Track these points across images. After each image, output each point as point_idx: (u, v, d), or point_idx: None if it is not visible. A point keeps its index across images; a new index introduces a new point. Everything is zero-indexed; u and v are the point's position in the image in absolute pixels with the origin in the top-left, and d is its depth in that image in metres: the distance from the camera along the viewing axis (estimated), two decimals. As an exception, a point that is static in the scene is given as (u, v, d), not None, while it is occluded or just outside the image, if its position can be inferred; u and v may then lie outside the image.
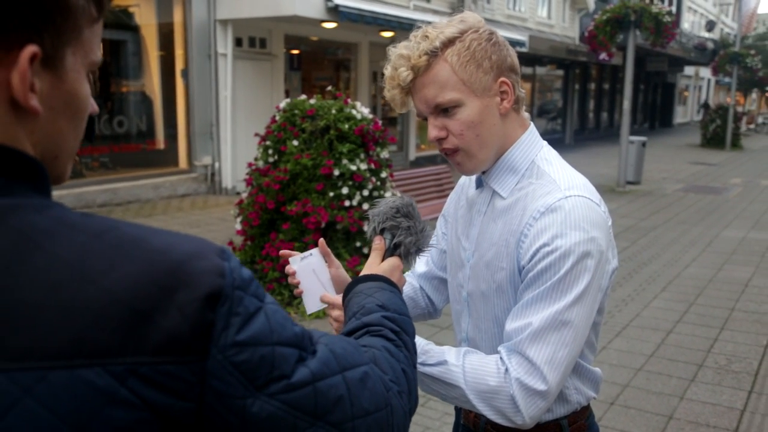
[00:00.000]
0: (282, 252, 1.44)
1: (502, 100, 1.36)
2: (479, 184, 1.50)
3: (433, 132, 1.37)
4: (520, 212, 1.35)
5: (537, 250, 1.28)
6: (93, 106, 0.79)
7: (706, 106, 39.00)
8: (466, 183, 1.60)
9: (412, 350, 1.06)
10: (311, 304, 1.43)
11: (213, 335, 0.69)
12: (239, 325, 0.71)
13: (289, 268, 1.42)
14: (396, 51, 1.35)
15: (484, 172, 1.44)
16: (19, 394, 0.62)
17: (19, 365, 0.62)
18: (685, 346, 5.03)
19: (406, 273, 1.79)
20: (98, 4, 0.72)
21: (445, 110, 1.34)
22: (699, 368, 4.63)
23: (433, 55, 1.31)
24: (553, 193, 1.31)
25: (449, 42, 1.32)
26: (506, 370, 1.28)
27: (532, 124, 1.46)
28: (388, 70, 1.36)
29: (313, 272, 1.43)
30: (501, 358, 1.31)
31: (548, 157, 1.41)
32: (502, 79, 1.35)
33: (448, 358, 1.34)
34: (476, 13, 1.40)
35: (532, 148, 1.41)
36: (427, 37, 1.32)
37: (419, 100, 1.36)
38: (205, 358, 0.69)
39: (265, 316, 0.75)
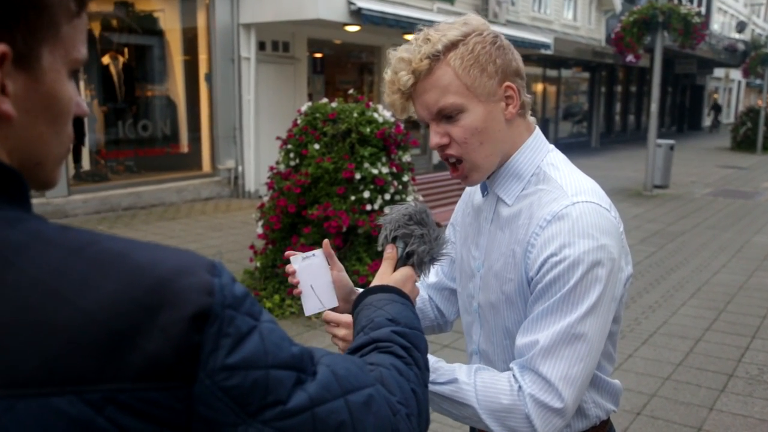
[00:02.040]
0: (287, 253, 1.40)
1: (508, 105, 1.31)
2: (485, 190, 1.44)
3: (434, 139, 1.32)
4: (526, 220, 1.30)
5: (545, 261, 1.23)
6: (80, 107, 0.74)
7: (716, 108, 37.19)
8: (472, 190, 1.55)
9: (423, 368, 1.00)
10: (310, 305, 1.38)
11: (200, 358, 0.64)
12: (229, 347, 0.66)
13: (289, 267, 1.38)
14: (396, 54, 1.30)
15: (488, 178, 1.39)
16: None
17: None
18: (714, 355, 4.90)
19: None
20: None
21: (447, 117, 1.29)
22: (729, 378, 4.51)
23: (435, 58, 1.26)
24: (559, 199, 1.26)
25: (452, 45, 1.27)
26: (519, 387, 1.23)
27: (537, 128, 1.40)
28: (388, 74, 1.31)
29: (314, 273, 1.38)
30: (514, 375, 1.25)
31: (554, 161, 1.36)
32: (507, 84, 1.30)
33: (459, 376, 1.28)
34: (481, 17, 1.34)
35: (538, 153, 1.36)
36: (428, 40, 1.27)
37: (420, 106, 1.31)
38: (192, 383, 0.64)
39: (260, 336, 0.70)
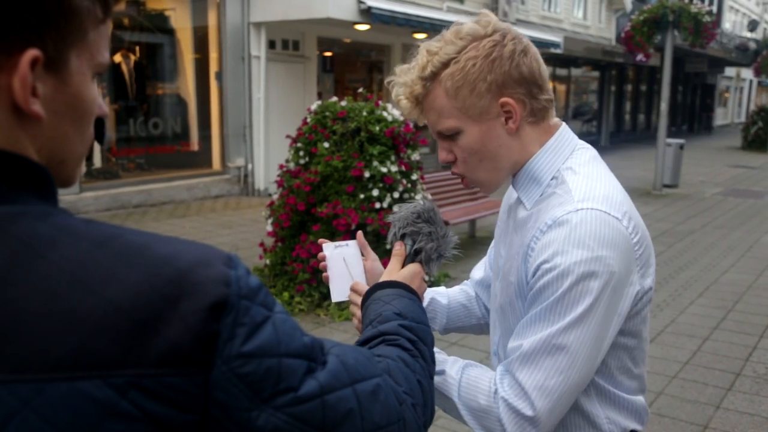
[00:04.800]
0: (320, 240, 1.44)
1: (507, 120, 1.27)
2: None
3: (442, 155, 1.34)
4: (533, 224, 1.27)
5: (538, 267, 1.20)
6: (101, 108, 0.78)
7: (706, 108, 35.07)
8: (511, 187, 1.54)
9: (429, 360, 1.03)
10: (337, 292, 1.42)
11: (217, 346, 0.67)
12: (245, 336, 0.69)
13: (320, 255, 1.41)
14: (397, 80, 1.30)
15: (513, 178, 1.36)
16: (18, 406, 0.61)
17: (18, 377, 0.61)
18: (722, 354, 4.91)
19: (465, 281, 1.75)
20: (104, 4, 0.71)
21: (448, 136, 1.30)
22: (736, 377, 4.51)
23: (429, 81, 1.26)
24: (564, 204, 1.21)
25: (443, 65, 1.25)
26: (496, 390, 1.23)
27: (562, 127, 1.34)
28: (392, 94, 1.32)
29: (344, 261, 1.42)
30: (495, 377, 1.26)
31: (575, 164, 1.29)
32: (503, 99, 1.24)
33: (448, 369, 1.29)
34: (492, 16, 1.29)
35: (558, 155, 1.31)
36: (420, 63, 1.27)
37: (428, 123, 1.34)
38: (209, 369, 0.67)
39: (273, 326, 0.73)
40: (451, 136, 1.29)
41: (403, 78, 1.29)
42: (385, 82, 1.34)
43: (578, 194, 1.22)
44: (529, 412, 1.18)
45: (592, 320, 1.17)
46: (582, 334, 1.17)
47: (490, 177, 1.33)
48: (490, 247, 1.65)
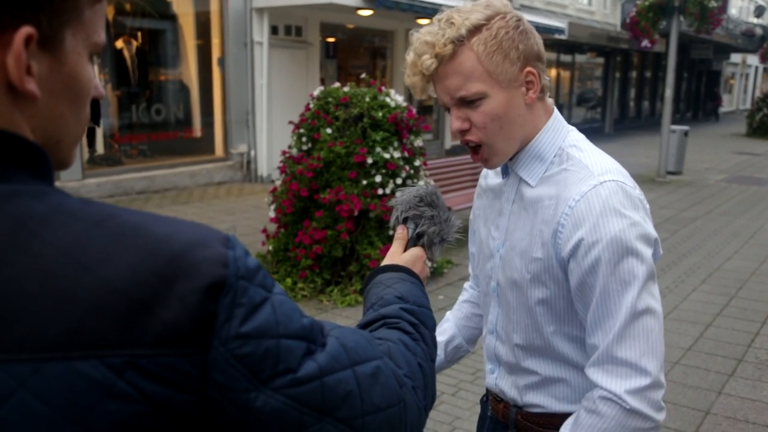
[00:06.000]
0: None
1: (528, 90, 1.32)
2: (505, 171, 1.45)
3: (456, 123, 1.33)
4: (554, 201, 1.30)
5: (579, 243, 1.24)
6: (98, 89, 0.76)
7: (713, 96, 34.30)
8: (484, 172, 1.57)
9: (430, 344, 1.03)
10: None
11: (215, 327, 0.67)
12: (243, 317, 0.69)
13: None
14: (420, 37, 1.30)
15: (510, 159, 1.41)
16: (15, 386, 0.60)
17: (15, 356, 0.61)
18: (724, 340, 4.91)
19: (464, 285, 1.80)
20: None
21: (469, 102, 1.30)
22: (738, 363, 4.52)
23: (459, 43, 1.26)
24: (587, 179, 1.27)
25: (476, 29, 1.27)
26: (602, 397, 1.23)
27: (555, 109, 1.42)
28: (410, 56, 1.32)
29: None
30: (598, 396, 1.24)
31: (576, 142, 1.37)
32: (529, 69, 1.30)
33: None
34: None
35: (558, 133, 1.38)
36: (452, 23, 1.27)
37: (442, 90, 1.32)
38: (207, 350, 0.66)
39: (272, 307, 0.72)
40: (472, 102, 1.30)
41: (430, 37, 1.28)
42: (412, 38, 1.32)
43: (596, 169, 1.29)
44: (646, 381, 1.21)
45: (650, 276, 1.24)
46: (649, 290, 1.24)
47: (504, 147, 1.35)
48: (470, 233, 1.66)
